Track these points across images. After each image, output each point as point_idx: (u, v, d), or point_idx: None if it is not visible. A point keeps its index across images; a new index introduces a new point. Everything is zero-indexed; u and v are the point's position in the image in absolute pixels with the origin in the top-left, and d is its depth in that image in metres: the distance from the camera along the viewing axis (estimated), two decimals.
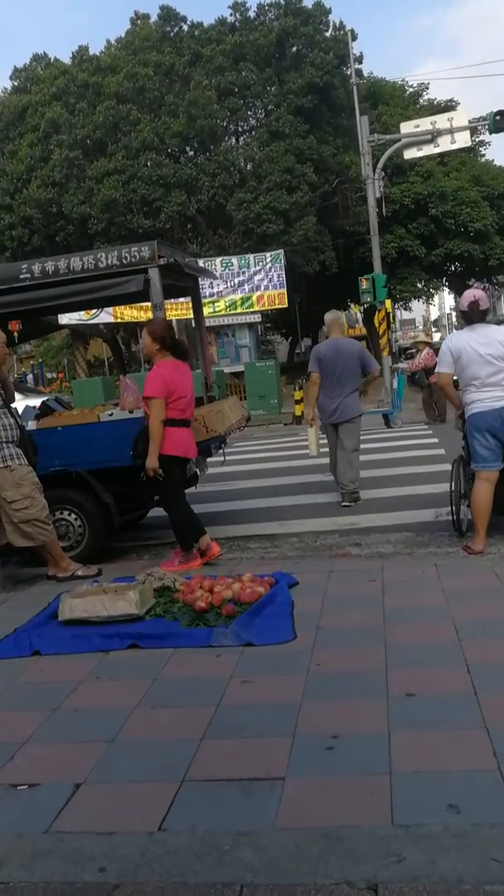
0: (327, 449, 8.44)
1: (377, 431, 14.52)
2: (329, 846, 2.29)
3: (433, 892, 2.06)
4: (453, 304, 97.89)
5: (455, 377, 5.95)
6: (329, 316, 8.61)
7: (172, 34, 29.58)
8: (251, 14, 29.28)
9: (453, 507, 6.34)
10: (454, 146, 21.95)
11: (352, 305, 39.24)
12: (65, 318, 25.15)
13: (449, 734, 2.92)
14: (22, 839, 2.48)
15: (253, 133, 29.36)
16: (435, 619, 4.20)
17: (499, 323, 6.18)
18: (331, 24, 29.05)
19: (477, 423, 5.75)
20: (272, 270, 25.55)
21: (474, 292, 6.03)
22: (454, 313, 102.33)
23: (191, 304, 10.39)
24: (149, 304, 6.53)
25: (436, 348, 14.90)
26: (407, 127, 22.14)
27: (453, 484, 6.32)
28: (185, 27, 29.83)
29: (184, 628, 4.38)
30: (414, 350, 14.90)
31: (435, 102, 33.58)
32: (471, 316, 5.89)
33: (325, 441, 8.46)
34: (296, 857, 2.26)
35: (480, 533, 5.72)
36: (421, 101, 34.38)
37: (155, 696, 3.56)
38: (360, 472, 8.31)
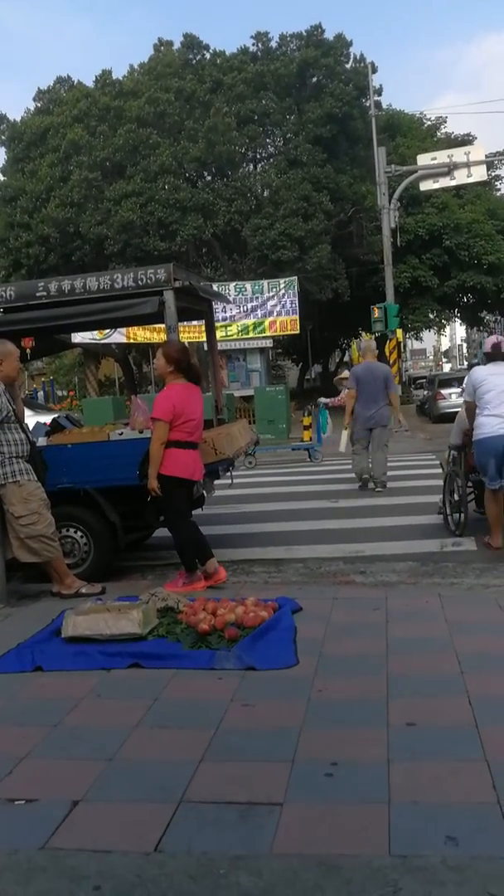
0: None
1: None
2: (325, 874, 2.28)
3: None
4: (465, 335, 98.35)
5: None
6: (363, 344, 11.95)
7: (195, 61, 30.04)
8: (273, 44, 29.74)
9: (457, 513, 7.53)
10: (470, 179, 22.18)
11: (363, 334, 39.39)
12: (77, 337, 25.27)
13: (449, 765, 2.91)
14: (17, 854, 2.48)
15: (271, 160, 29.69)
16: (438, 649, 4.19)
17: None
18: (351, 56, 29.51)
19: (490, 445, 6.62)
20: (285, 297, 25.71)
21: (496, 337, 7.15)
22: (465, 344, 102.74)
23: (204, 328, 10.46)
24: (162, 325, 6.58)
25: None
26: (424, 159, 22.39)
27: (452, 492, 7.63)
28: (208, 55, 30.30)
29: (186, 650, 4.38)
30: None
31: (452, 136, 33.95)
32: (493, 356, 6.94)
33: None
34: (292, 884, 2.25)
35: (498, 533, 6.77)
36: (438, 133, 34.78)
37: (155, 716, 3.56)
38: (359, 500, 8.91)
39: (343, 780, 2.85)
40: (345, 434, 11.11)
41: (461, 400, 7.52)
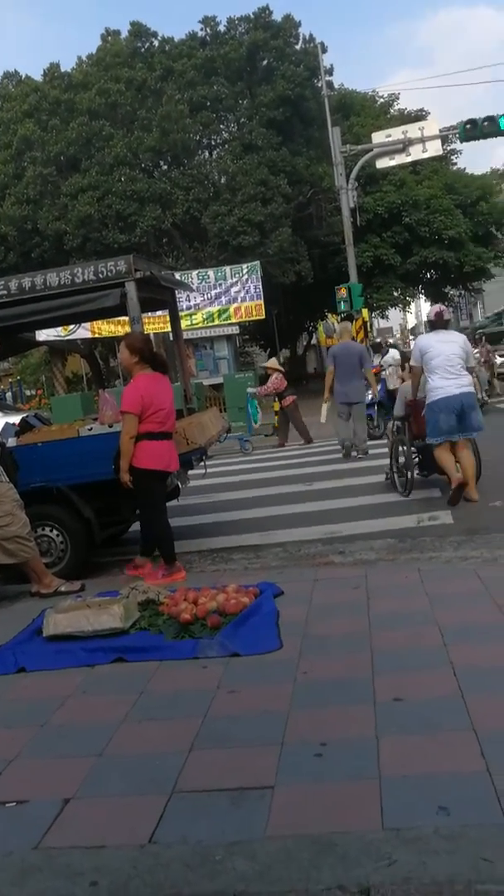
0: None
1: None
2: (320, 852, 2.29)
3: (425, 893, 2.07)
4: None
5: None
6: (339, 326, 13.34)
7: (143, 49, 29.72)
8: (221, 28, 29.46)
9: (403, 477, 8.41)
10: (426, 155, 22.24)
11: (329, 315, 39.42)
12: (42, 335, 25.03)
13: (437, 737, 2.93)
14: (11, 856, 2.46)
15: (226, 146, 29.49)
16: (420, 623, 4.22)
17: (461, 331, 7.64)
18: (301, 36, 29.29)
19: (443, 405, 7.47)
20: (249, 282, 25.62)
21: (439, 306, 8.21)
22: None
23: (168, 318, 10.41)
24: (126, 318, 6.53)
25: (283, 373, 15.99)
26: (378, 137, 22.39)
27: (400, 458, 8.45)
28: (156, 42, 29.98)
29: (169, 641, 4.37)
30: (269, 374, 15.39)
31: (406, 112, 33.89)
32: (435, 324, 7.98)
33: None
34: (287, 865, 2.26)
35: (456, 474, 7.51)
36: (392, 111, 34.69)
37: (142, 709, 3.55)
38: (333, 481, 9.79)
39: (333, 759, 2.86)
40: (324, 407, 12.31)
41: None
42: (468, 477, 7.54)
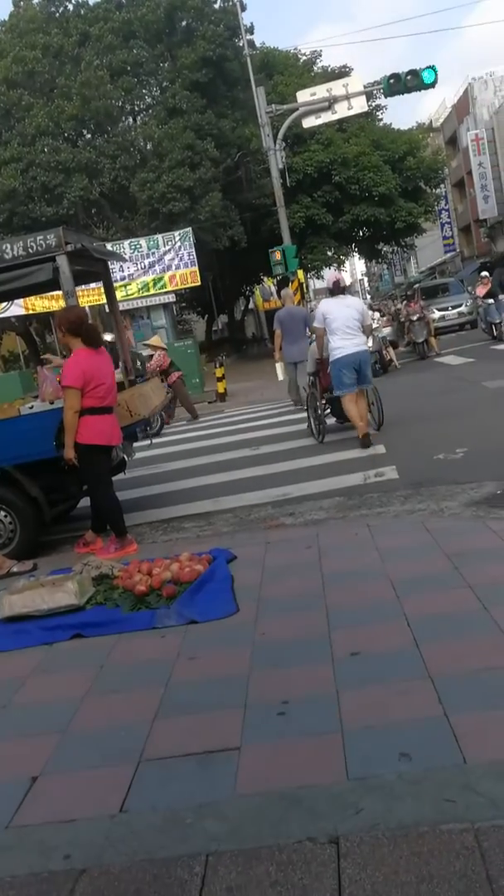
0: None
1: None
2: (288, 807, 2.34)
3: (392, 838, 2.13)
4: (364, 269, 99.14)
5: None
6: (284, 292, 14.07)
7: (58, 14, 29.02)
8: None
9: (318, 425, 9.62)
10: (351, 112, 22.13)
11: (265, 279, 39.29)
12: None
13: (395, 687, 3.00)
14: None
15: (150, 111, 29.04)
16: (372, 578, 4.29)
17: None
18: None
19: (344, 362, 8.69)
20: (182, 249, 25.41)
21: (336, 273, 9.81)
22: (366, 278, 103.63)
23: (103, 290, 10.27)
24: (60, 292, 6.43)
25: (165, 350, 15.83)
26: (303, 96, 22.20)
27: (316, 410, 9.69)
28: (71, 6, 29.30)
29: (126, 613, 4.38)
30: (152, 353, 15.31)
31: (329, 69, 33.68)
32: (334, 290, 9.13)
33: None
34: (257, 822, 2.30)
35: (360, 423, 8.73)
36: (315, 68, 34.46)
37: (103, 682, 3.56)
38: (279, 444, 10.19)
39: (295, 716, 2.92)
40: (278, 366, 14.14)
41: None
42: (363, 417, 8.86)
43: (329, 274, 9.38)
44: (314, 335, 12.27)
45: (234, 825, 2.31)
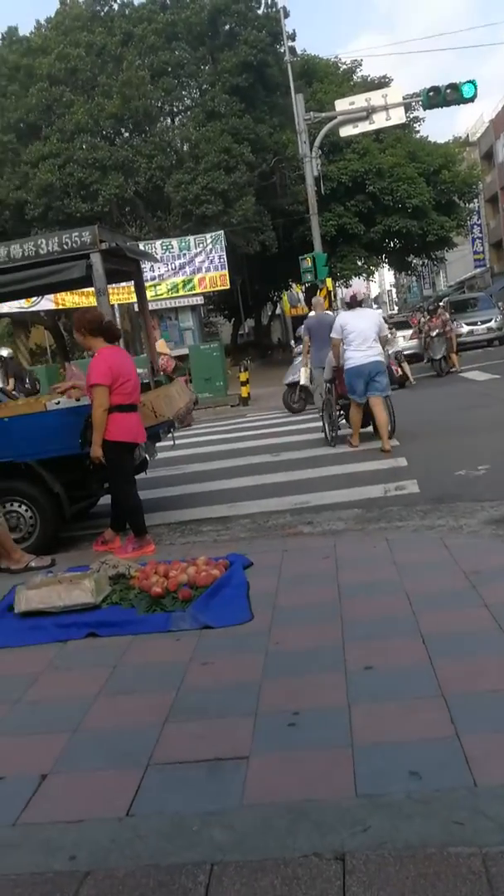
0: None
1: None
2: (296, 820, 2.33)
3: (399, 857, 2.11)
4: (393, 280, 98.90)
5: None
6: (314, 299, 14.07)
7: (103, 13, 29.23)
8: None
9: (331, 429, 10.25)
10: (389, 123, 22.10)
11: (293, 285, 39.30)
12: (4, 307, 24.64)
13: (407, 704, 2.98)
14: None
15: (188, 113, 29.16)
16: (389, 592, 4.27)
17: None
18: (262, 1, 28.90)
19: (355, 372, 9.34)
20: (213, 252, 25.48)
21: (354, 289, 10.17)
22: (394, 290, 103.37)
23: (133, 289, 10.31)
24: (90, 289, 6.47)
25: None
26: (342, 104, 22.20)
27: (331, 415, 10.28)
28: (116, 6, 29.51)
29: (141, 615, 4.38)
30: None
31: (369, 79, 33.70)
32: (351, 304, 9.89)
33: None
34: (264, 833, 2.29)
35: (356, 435, 9.72)
36: (355, 77, 34.48)
37: (116, 683, 3.57)
38: (301, 451, 10.30)
39: (306, 728, 2.91)
40: (303, 371, 13.68)
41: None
42: (381, 427, 9.31)
43: (348, 290, 10.51)
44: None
45: (241, 835, 2.30)
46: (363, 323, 9.44)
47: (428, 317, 21.02)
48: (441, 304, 24.60)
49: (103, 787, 2.68)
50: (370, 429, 9.75)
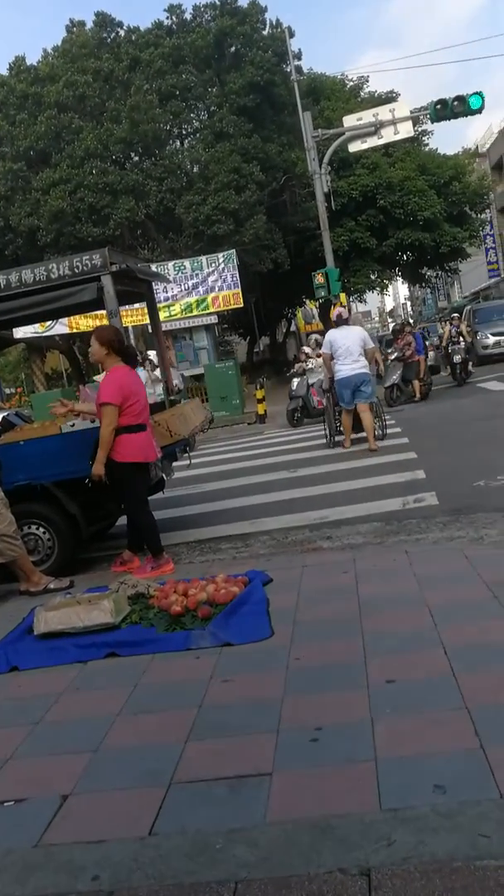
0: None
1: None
2: (320, 836, 2.31)
3: (424, 872, 2.08)
4: (407, 293, 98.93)
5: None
6: (336, 314, 13.93)
7: (109, 40, 29.50)
8: (187, 16, 29.29)
9: (330, 433, 11.78)
10: (397, 137, 22.11)
11: (307, 301, 39.35)
12: (20, 332, 24.87)
13: (431, 717, 2.95)
14: (11, 854, 2.46)
15: (197, 135, 29.34)
16: (410, 605, 4.24)
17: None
18: (267, 22, 29.14)
19: (344, 382, 10.73)
20: (225, 271, 25.56)
21: (339, 309, 11.96)
22: (409, 303, 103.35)
23: (146, 310, 10.36)
24: (104, 312, 6.50)
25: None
26: (350, 120, 22.26)
27: (331, 419, 11.80)
28: (122, 32, 29.75)
29: (161, 633, 4.37)
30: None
31: (376, 94, 33.75)
32: (338, 322, 11.17)
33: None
34: (288, 850, 2.27)
35: (347, 437, 11.17)
36: (362, 93, 34.57)
37: (136, 702, 3.56)
38: (318, 467, 9.81)
39: (328, 743, 2.88)
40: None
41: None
42: (367, 429, 10.62)
43: (333, 310, 11.94)
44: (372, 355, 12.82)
45: (265, 852, 2.28)
46: (349, 340, 10.75)
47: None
48: (411, 321, 23.74)
49: (125, 807, 2.66)
50: (377, 432, 10.95)
